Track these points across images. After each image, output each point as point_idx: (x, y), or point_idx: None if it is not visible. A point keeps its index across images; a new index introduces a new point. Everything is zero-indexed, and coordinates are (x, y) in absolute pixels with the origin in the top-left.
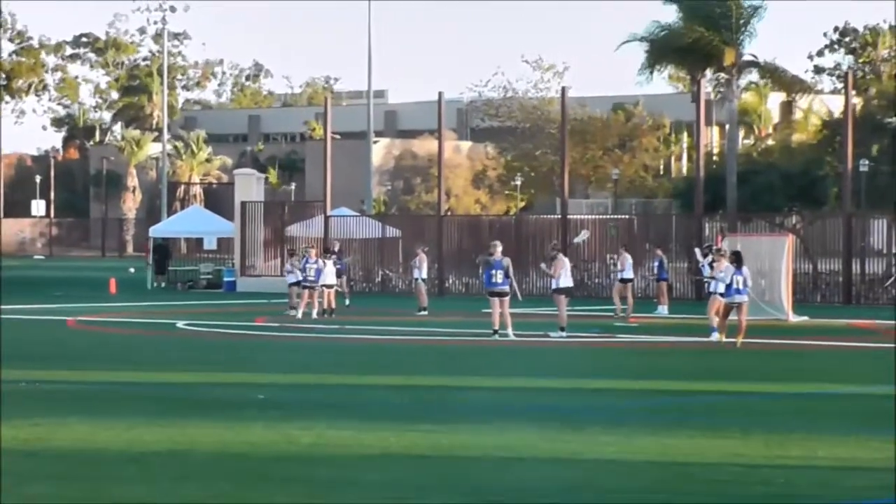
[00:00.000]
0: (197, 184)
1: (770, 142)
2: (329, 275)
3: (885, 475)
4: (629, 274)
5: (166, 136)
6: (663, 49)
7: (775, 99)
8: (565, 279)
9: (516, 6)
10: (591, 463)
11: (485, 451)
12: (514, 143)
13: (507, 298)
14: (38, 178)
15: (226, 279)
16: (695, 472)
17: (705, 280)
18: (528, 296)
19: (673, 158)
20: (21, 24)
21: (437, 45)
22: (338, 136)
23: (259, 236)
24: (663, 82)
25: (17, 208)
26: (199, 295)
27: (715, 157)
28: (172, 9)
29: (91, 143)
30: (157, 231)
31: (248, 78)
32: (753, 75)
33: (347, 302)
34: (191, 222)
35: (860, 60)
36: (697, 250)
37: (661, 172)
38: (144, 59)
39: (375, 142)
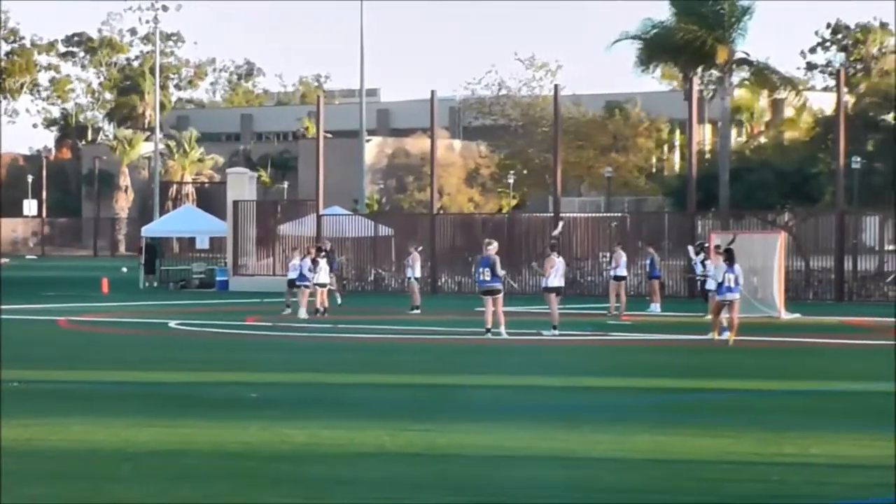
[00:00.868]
0: (189, 183)
1: (763, 139)
2: (322, 274)
3: (881, 472)
4: (623, 272)
5: (158, 135)
6: (656, 47)
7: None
8: (555, 278)
9: (509, 5)
10: (585, 461)
11: (479, 449)
12: (507, 142)
13: (499, 296)
14: (30, 178)
15: (218, 278)
16: (689, 470)
17: (698, 278)
18: (521, 294)
19: (665, 155)
20: (13, 22)
21: (430, 43)
22: (330, 135)
23: (251, 235)
24: (655, 80)
25: (9, 208)
26: (192, 294)
27: (708, 155)
28: (164, 8)
29: (83, 142)
30: (149, 230)
31: (239, 77)
32: (746, 73)
33: (339, 301)
34: (183, 221)
35: (852, 58)
36: (690, 248)
37: (654, 171)
38: (136, 58)
39: (368, 140)
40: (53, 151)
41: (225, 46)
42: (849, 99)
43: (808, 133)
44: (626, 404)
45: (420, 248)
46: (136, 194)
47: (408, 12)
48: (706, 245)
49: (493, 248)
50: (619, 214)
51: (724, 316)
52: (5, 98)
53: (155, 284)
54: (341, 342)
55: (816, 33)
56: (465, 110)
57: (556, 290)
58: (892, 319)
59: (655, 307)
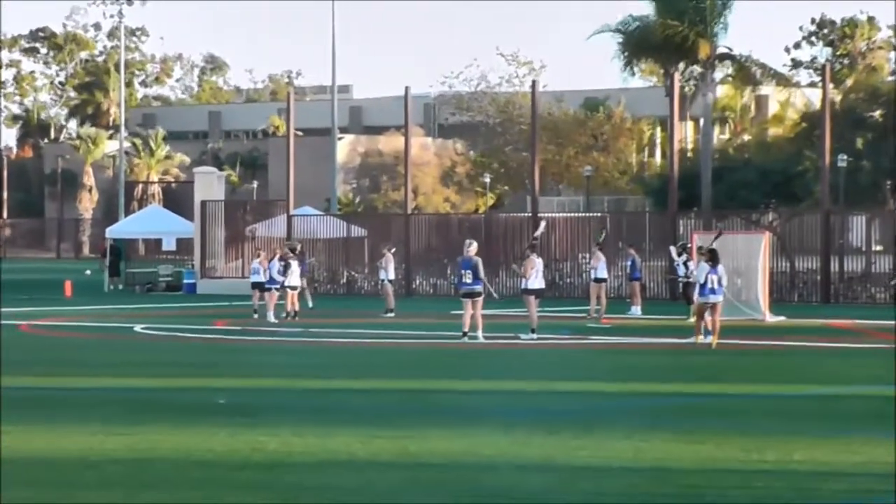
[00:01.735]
0: (155, 183)
1: (746, 137)
2: (293, 276)
3: (865, 479)
4: (603, 273)
5: (124, 133)
6: (638, 42)
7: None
8: (535, 280)
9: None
10: (563, 468)
11: (454, 456)
12: (484, 139)
13: (479, 299)
14: None
15: (185, 281)
16: (670, 477)
17: (680, 280)
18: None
19: (646, 155)
20: None
21: (404, 39)
22: (301, 133)
23: (220, 236)
24: (637, 77)
25: None
26: (158, 298)
27: (690, 154)
28: (129, 1)
29: (46, 140)
30: (114, 232)
31: (203, 71)
32: (729, 68)
33: (311, 304)
34: (149, 222)
35: (838, 53)
36: (672, 248)
37: (635, 170)
38: (100, 53)
39: (340, 138)
40: (15, 150)
41: (192, 42)
42: (835, 95)
43: (792, 130)
44: (606, 409)
45: (394, 250)
46: (100, 194)
47: (381, 6)
48: (689, 246)
49: (474, 249)
50: (599, 214)
51: (707, 318)
52: None
53: (120, 287)
54: (312, 346)
55: (801, 28)
56: (441, 107)
57: (536, 292)
58: (880, 322)
59: (636, 310)
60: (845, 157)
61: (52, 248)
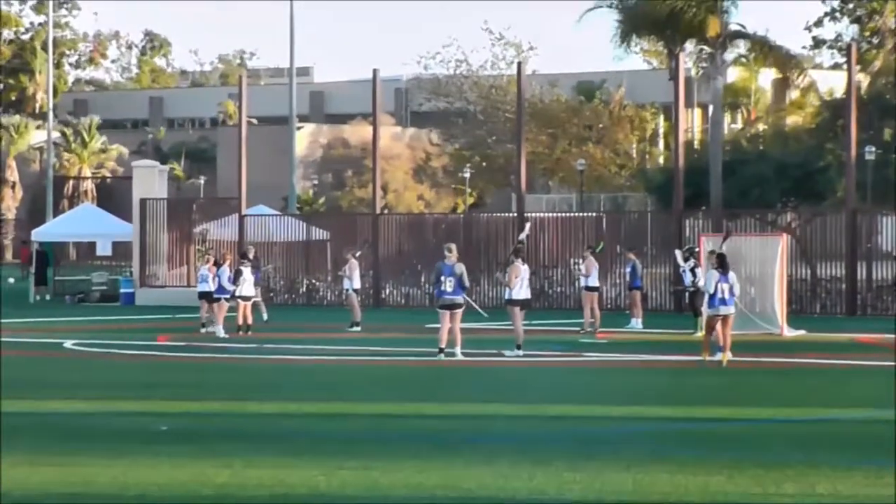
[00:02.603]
0: (89, 178)
1: (761, 126)
2: (246, 285)
3: None
4: (595, 281)
5: (52, 121)
6: (638, 19)
7: (768, 77)
8: (520, 289)
9: None
10: None
11: (429, 490)
12: (464, 129)
13: (459, 312)
14: None
15: (123, 290)
16: None
17: (686, 289)
18: (481, 308)
19: (648, 147)
20: None
21: (372, 15)
22: (255, 122)
23: (162, 240)
24: (637, 58)
25: None
26: (92, 309)
27: (697, 145)
28: None
29: None
30: (41, 234)
31: (143, 52)
32: (742, 49)
33: (266, 316)
34: (81, 223)
35: (865, 31)
36: (678, 253)
37: (636, 164)
38: (26, 31)
39: (300, 127)
40: None
41: (130, 18)
42: (861, 79)
43: (813, 119)
44: (603, 437)
45: (359, 254)
46: (25, 192)
47: None
48: (696, 250)
49: (455, 254)
50: (594, 214)
51: (716, 333)
52: None
53: (47, 298)
54: (268, 364)
55: (823, 2)
56: (415, 92)
57: (522, 303)
58: None
59: (636, 322)
60: (873, 148)
61: None
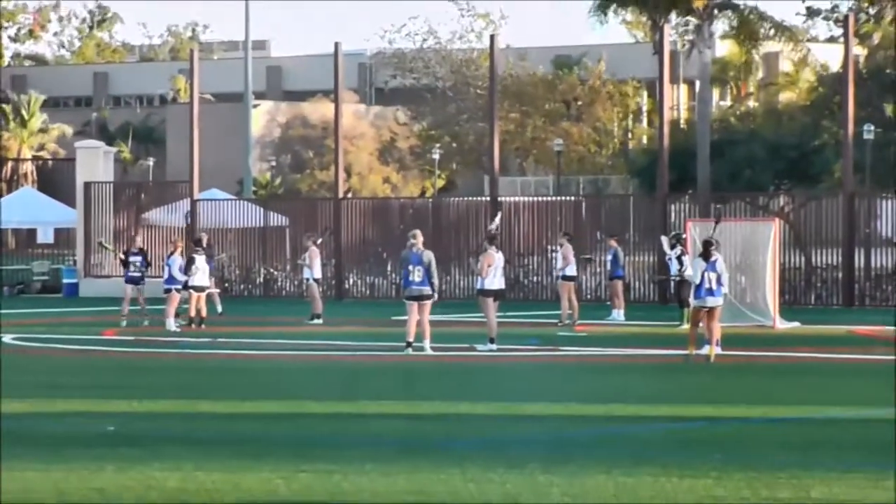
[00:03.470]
0: (29, 160)
1: (752, 103)
2: (199, 275)
3: None
4: (573, 270)
5: None
6: None
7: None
8: (493, 279)
9: None
10: None
11: (394, 496)
12: (433, 107)
13: (427, 303)
14: None
15: (65, 281)
16: None
17: (672, 278)
18: (449, 299)
19: (631, 124)
20: None
21: None
22: (212, 98)
23: (108, 226)
24: (619, 31)
25: None
26: (32, 301)
27: (683, 124)
28: None
29: None
30: None
31: (88, 24)
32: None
33: (220, 309)
34: (20, 209)
35: (863, 2)
36: (664, 239)
37: (618, 143)
38: None
39: (256, 105)
40: None
41: None
42: (860, 52)
43: (808, 95)
44: (582, 438)
45: (320, 242)
46: None
47: None
48: (683, 236)
49: (421, 241)
50: (573, 198)
51: (703, 325)
52: None
53: None
54: (222, 361)
55: None
56: (379, 67)
57: (495, 293)
58: None
59: (618, 314)
60: (872, 127)
61: None
